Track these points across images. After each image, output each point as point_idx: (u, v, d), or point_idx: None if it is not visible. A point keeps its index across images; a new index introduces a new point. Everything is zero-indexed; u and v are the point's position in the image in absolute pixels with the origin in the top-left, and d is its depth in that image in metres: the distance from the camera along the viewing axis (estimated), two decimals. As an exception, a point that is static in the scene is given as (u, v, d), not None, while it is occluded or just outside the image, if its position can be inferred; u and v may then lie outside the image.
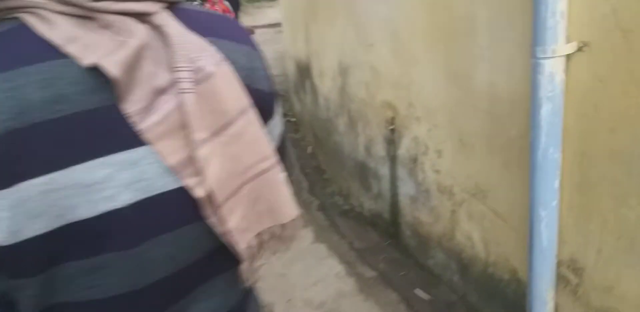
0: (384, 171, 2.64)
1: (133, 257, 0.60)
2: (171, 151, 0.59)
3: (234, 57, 0.66)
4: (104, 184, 0.56)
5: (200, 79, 0.60)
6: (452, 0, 1.78)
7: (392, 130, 2.44)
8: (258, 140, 0.66)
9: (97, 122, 0.56)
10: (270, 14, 11.83)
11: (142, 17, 0.60)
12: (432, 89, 2.04)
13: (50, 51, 0.54)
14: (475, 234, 1.94)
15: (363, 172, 2.96)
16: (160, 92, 0.59)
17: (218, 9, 3.68)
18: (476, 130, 1.82)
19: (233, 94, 0.63)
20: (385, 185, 2.66)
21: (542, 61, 1.36)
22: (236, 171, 0.64)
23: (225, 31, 0.69)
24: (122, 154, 0.57)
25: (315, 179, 3.87)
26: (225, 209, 0.62)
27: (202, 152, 0.59)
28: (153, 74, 0.58)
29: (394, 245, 2.67)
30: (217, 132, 0.61)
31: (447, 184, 2.07)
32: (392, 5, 2.22)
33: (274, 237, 0.71)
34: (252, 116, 0.65)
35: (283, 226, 0.70)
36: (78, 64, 0.54)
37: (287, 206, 0.70)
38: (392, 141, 2.48)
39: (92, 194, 0.56)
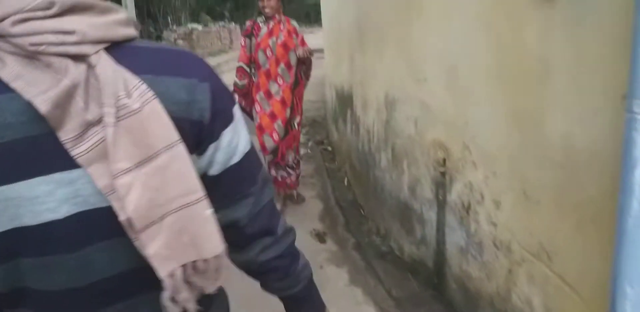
0: (430, 215, 2.44)
1: (75, 259, 0.70)
2: (101, 175, 0.67)
3: (171, 93, 0.72)
4: (46, 198, 0.67)
5: (124, 114, 0.67)
6: (524, 39, 1.60)
7: (443, 173, 2.25)
8: (183, 174, 0.71)
9: (39, 146, 0.67)
10: (309, 40, 11.79)
11: (79, 57, 0.67)
12: (492, 133, 1.85)
13: (1, 87, 0.64)
14: (536, 300, 1.72)
15: (405, 214, 2.76)
16: (92, 124, 0.67)
17: (283, 29, 3.49)
18: (544, 184, 1.62)
19: (159, 129, 0.69)
20: (431, 231, 2.45)
21: (639, 117, 1.16)
22: (158, 201, 0.69)
23: (169, 67, 0.75)
24: (60, 173, 0.67)
25: (351, 214, 3.68)
26: (145, 235, 0.69)
27: (123, 181, 0.67)
28: (85, 109, 0.66)
29: (438, 297, 2.44)
30: (140, 164, 0.68)
31: (504, 239, 1.86)
32: (450, 40, 2.06)
33: (199, 272, 0.75)
34: (180, 151, 0.70)
35: (206, 261, 0.74)
36: (21, 97, 0.64)
37: (211, 242, 0.74)
38: (442, 184, 2.28)
39: (36, 206, 0.67)
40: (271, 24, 3.49)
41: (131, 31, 0.76)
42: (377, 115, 3.22)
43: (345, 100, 4.52)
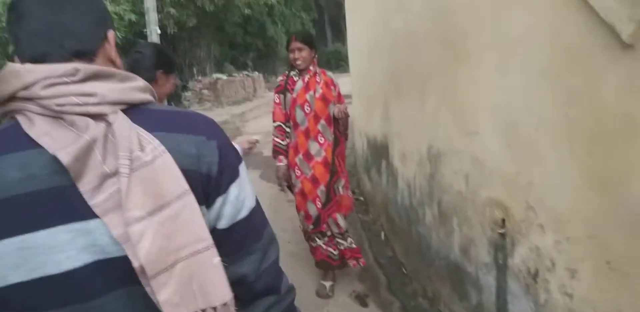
0: (488, 280, 2.23)
1: (96, 308, 0.75)
2: (116, 224, 0.73)
3: (182, 147, 0.80)
4: (66, 247, 0.73)
5: (137, 166, 0.74)
6: (600, 94, 1.44)
7: (503, 235, 2.06)
8: (193, 222, 0.76)
9: (60, 197, 0.73)
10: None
11: (99, 117, 0.76)
12: (564, 194, 1.67)
13: (30, 143, 0.74)
14: None
15: (457, 276, 2.55)
16: (108, 175, 0.74)
17: (319, 81, 3.15)
18: (633, 254, 1.42)
19: (170, 180, 0.75)
20: (489, 297, 2.23)
21: None
22: (169, 248, 0.74)
23: (181, 126, 0.83)
24: (79, 223, 0.73)
25: (392, 272, 3.46)
26: (156, 282, 0.73)
27: (135, 228, 0.72)
28: (102, 162, 0.74)
29: (501, 374, 2.19)
30: (153, 212, 0.73)
31: (584, 314, 1.64)
32: (507, 93, 1.92)
33: None
34: (189, 200, 0.76)
35: (215, 309, 0.77)
36: (48, 152, 0.72)
37: (219, 290, 0.78)
38: (501, 247, 2.09)
39: (57, 254, 0.72)
40: (306, 77, 3.16)
41: (147, 96, 0.85)
42: (418, 168, 3.07)
43: (379, 150, 4.38)
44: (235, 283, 0.84)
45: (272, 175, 6.51)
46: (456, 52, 2.37)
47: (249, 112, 14.86)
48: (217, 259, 0.78)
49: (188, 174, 0.78)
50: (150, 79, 2.12)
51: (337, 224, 3.23)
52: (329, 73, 3.32)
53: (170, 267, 0.74)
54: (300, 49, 3.11)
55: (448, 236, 2.63)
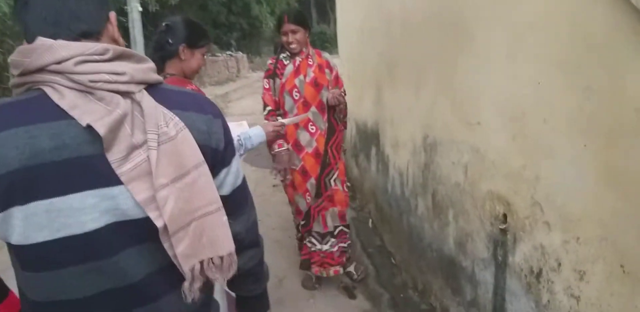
0: (485, 276, 2.14)
1: (113, 264, 0.86)
2: (140, 190, 0.84)
3: (196, 125, 0.92)
4: (91, 210, 0.82)
5: (164, 140, 0.85)
6: (623, 89, 1.33)
7: (504, 231, 1.97)
8: (207, 188, 0.90)
9: (89, 165, 0.82)
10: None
11: (126, 94, 0.86)
12: (575, 192, 1.58)
13: (60, 114, 0.81)
14: None
15: (451, 270, 2.46)
16: (136, 147, 0.84)
17: (312, 63, 2.87)
18: (652, 259, 1.34)
19: (190, 152, 0.88)
20: (485, 294, 2.15)
21: None
22: (187, 210, 0.87)
23: (192, 105, 0.96)
24: (105, 189, 0.83)
25: (381, 263, 3.37)
26: (175, 238, 0.86)
27: (162, 193, 0.84)
28: (131, 135, 0.84)
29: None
30: (175, 180, 0.85)
31: (591, 317, 1.56)
32: (515, 83, 1.80)
33: (214, 266, 0.92)
34: (204, 170, 0.90)
35: (221, 258, 0.93)
36: (78, 123, 0.81)
37: (225, 242, 0.94)
38: (502, 244, 1.99)
39: (82, 216, 0.82)
40: (298, 60, 2.88)
41: (158, 76, 0.94)
42: (412, 157, 2.95)
43: (369, 137, 4.26)
44: None
45: (256, 159, 6.40)
46: (458, 37, 2.24)
47: (232, 93, 14.62)
48: (225, 218, 0.92)
49: (201, 148, 0.90)
50: (173, 53, 2.02)
51: (324, 224, 3.01)
52: (325, 54, 3.04)
53: (186, 226, 0.86)
54: (294, 32, 2.81)
55: (442, 229, 2.54)
